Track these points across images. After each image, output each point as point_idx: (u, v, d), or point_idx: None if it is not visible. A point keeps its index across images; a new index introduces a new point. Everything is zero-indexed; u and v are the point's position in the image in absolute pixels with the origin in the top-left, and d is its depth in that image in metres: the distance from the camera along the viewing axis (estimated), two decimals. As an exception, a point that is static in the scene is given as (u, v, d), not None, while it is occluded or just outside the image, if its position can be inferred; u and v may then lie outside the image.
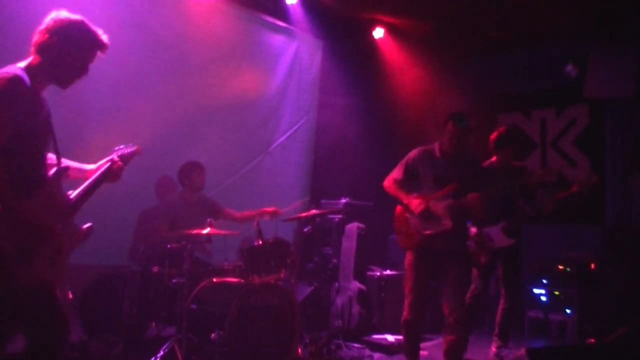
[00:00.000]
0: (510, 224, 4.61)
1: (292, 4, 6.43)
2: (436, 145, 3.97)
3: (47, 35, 2.40)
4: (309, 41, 7.01)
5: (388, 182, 4.07)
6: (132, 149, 2.85)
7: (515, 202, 4.68)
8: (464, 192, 3.74)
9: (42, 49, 2.41)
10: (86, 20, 2.51)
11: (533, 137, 7.24)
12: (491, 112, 7.61)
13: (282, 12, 6.48)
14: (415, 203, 3.85)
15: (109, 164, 2.72)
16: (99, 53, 2.56)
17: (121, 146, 2.84)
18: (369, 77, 7.52)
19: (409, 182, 3.99)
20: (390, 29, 7.12)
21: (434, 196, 3.85)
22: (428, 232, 3.83)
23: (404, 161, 4.05)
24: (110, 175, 2.70)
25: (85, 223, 2.56)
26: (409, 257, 3.97)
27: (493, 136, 4.82)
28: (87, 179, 2.66)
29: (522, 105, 7.38)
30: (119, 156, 2.77)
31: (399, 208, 4.05)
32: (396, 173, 4.05)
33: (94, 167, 2.74)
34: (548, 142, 7.15)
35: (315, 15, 6.62)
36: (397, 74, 7.46)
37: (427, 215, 3.80)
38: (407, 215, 3.95)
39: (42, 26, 2.43)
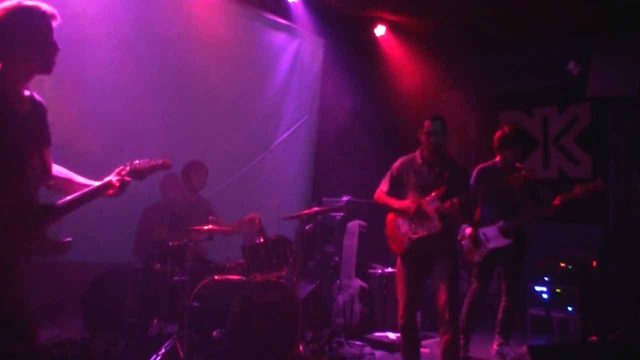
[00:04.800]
0: (508, 224, 4.61)
1: (293, 2, 6.43)
2: (417, 153, 4.12)
3: None
4: (311, 39, 7.01)
5: (378, 194, 4.22)
6: (150, 164, 2.62)
7: (516, 203, 4.67)
8: (450, 196, 3.83)
9: None
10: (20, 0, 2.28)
11: (535, 136, 7.22)
12: (493, 110, 7.61)
13: (283, 9, 6.48)
14: (407, 204, 3.97)
15: (108, 180, 2.52)
16: (54, 23, 2.33)
17: (136, 161, 2.60)
18: (371, 74, 7.51)
19: (396, 192, 4.14)
20: (392, 27, 7.11)
21: (423, 201, 3.94)
22: (417, 235, 3.93)
23: (388, 173, 4.21)
24: (106, 190, 2.49)
25: (66, 237, 2.36)
26: (398, 261, 4.08)
27: (497, 136, 4.82)
28: None
29: (524, 104, 7.36)
30: (129, 171, 2.55)
31: (390, 215, 4.16)
32: (383, 185, 4.21)
33: (100, 183, 2.53)
34: (550, 140, 7.14)
35: (317, 13, 6.62)
36: (398, 72, 7.46)
37: (421, 214, 3.90)
38: (399, 221, 4.06)
39: None
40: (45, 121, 2.46)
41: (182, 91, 5.64)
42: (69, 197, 2.43)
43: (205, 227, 4.25)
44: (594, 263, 5.99)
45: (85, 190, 2.48)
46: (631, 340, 3.39)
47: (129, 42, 5.09)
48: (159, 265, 4.42)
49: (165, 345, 4.03)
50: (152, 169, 2.64)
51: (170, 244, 4.33)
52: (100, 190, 2.49)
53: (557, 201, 4.50)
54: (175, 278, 4.21)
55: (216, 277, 4.28)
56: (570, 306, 5.80)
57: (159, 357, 3.96)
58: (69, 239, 2.36)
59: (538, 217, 4.67)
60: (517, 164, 4.80)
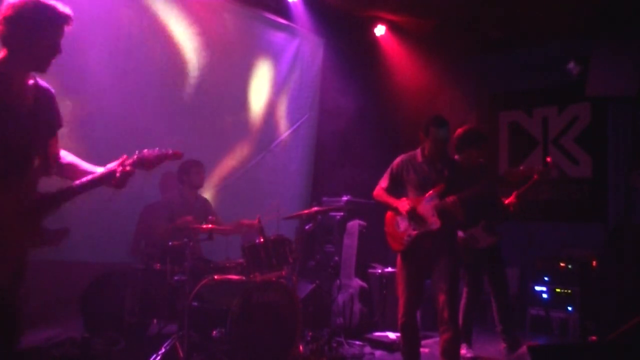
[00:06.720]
0: (489, 222, 4.63)
1: (293, 2, 6.42)
2: (418, 151, 4.08)
3: (3, 25, 2.26)
4: (311, 39, 7.00)
5: (377, 191, 4.19)
6: (159, 153, 2.54)
7: (490, 202, 4.67)
8: (450, 193, 3.83)
9: (4, 40, 2.28)
10: None
11: (535, 135, 7.23)
12: (493, 110, 7.61)
13: (283, 9, 6.48)
14: (402, 204, 3.95)
15: (111, 168, 2.45)
16: (66, 26, 2.36)
17: (144, 150, 2.52)
18: (371, 74, 7.51)
19: (396, 189, 4.12)
20: (392, 27, 7.11)
21: (423, 199, 3.93)
22: (415, 232, 3.91)
23: (388, 170, 4.18)
24: (109, 180, 2.43)
25: (62, 225, 2.37)
26: (399, 260, 4.06)
27: (458, 134, 4.76)
28: None
29: (524, 103, 7.36)
30: (134, 161, 2.48)
31: (389, 213, 4.15)
32: (383, 182, 4.18)
33: (103, 171, 2.47)
34: (550, 140, 7.13)
35: (317, 12, 6.61)
36: (398, 72, 7.46)
37: (414, 214, 3.88)
38: (398, 218, 4.04)
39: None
40: (51, 107, 2.45)
41: (181, 91, 5.64)
42: (66, 186, 2.41)
43: (205, 227, 4.25)
44: (594, 263, 5.99)
45: (85, 179, 2.43)
46: (631, 340, 3.39)
47: (129, 43, 5.09)
48: (158, 265, 4.42)
49: (165, 345, 4.03)
50: (160, 159, 2.55)
51: (170, 243, 4.33)
52: (102, 179, 2.44)
53: (512, 197, 4.64)
54: (175, 278, 4.21)
55: (216, 277, 4.27)
56: (570, 306, 5.80)
57: (158, 357, 3.96)
58: (64, 227, 2.36)
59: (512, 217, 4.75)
60: (481, 160, 4.82)
